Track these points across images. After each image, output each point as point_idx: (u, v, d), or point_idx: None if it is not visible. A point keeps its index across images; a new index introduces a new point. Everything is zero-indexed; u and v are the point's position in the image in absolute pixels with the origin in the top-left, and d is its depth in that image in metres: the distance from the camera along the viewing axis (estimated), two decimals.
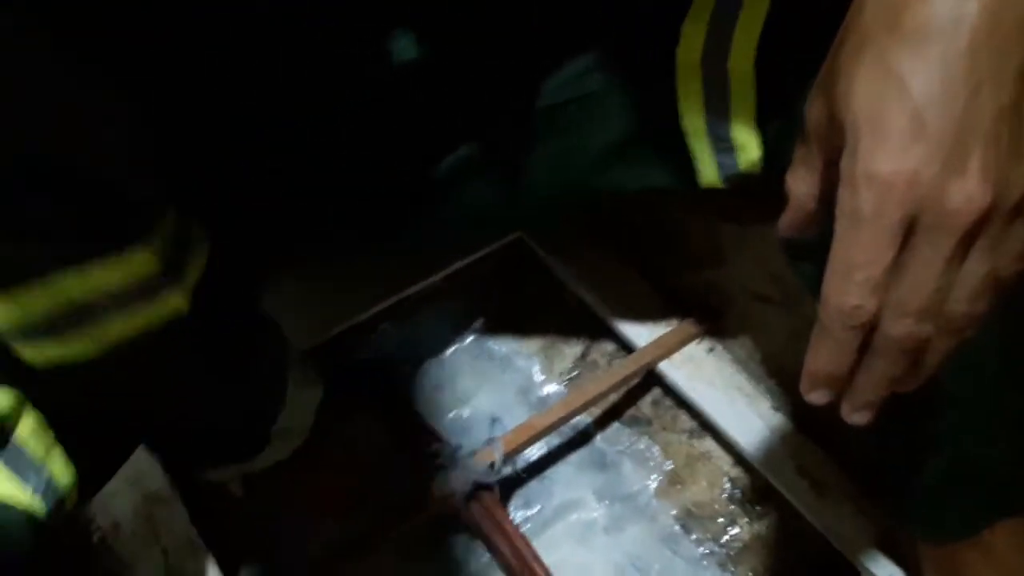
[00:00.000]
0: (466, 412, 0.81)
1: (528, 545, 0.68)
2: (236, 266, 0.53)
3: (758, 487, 0.74)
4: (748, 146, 0.54)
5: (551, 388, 0.83)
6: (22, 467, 0.43)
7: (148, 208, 0.44)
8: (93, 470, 0.51)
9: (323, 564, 0.67)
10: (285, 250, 0.65)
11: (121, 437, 0.50)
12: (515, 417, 0.79)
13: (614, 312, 0.82)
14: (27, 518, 0.41)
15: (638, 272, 0.85)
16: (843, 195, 0.34)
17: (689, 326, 0.80)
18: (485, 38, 0.56)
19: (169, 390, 0.48)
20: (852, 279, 0.33)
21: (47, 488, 0.44)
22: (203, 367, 0.48)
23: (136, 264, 0.43)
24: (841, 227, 0.34)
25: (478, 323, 0.86)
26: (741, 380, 0.77)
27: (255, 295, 0.58)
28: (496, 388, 0.83)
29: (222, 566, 0.67)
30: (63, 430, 0.46)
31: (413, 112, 0.58)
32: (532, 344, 0.86)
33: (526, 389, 0.83)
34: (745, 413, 0.75)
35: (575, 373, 0.84)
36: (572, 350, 0.85)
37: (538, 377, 0.84)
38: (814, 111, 0.37)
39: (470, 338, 0.86)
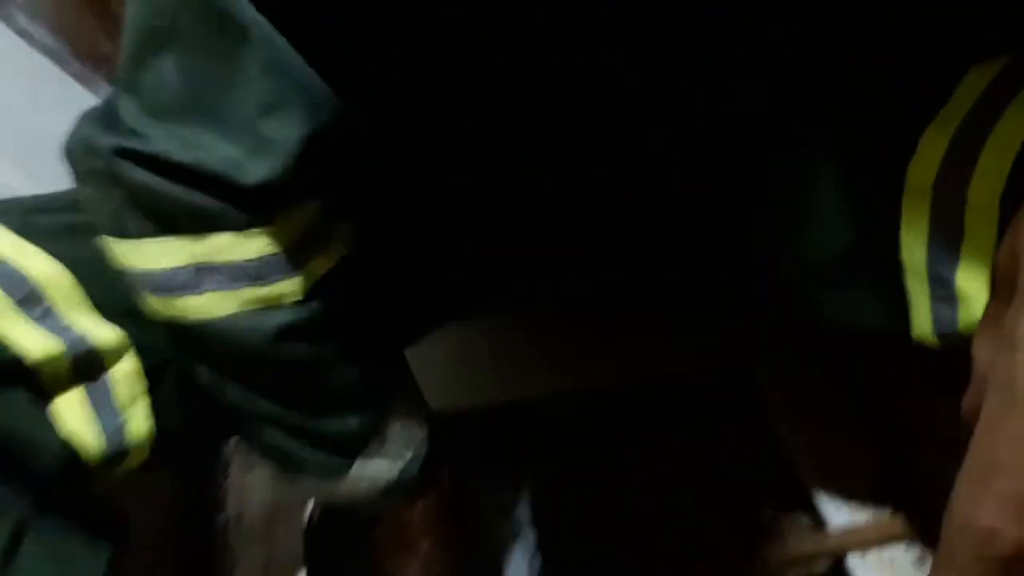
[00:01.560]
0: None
1: None
2: (383, 283, 0.52)
3: None
4: (974, 300, 0.42)
5: None
6: (101, 404, 0.45)
7: (278, 195, 0.44)
8: (190, 432, 0.53)
9: None
10: (465, 301, 0.64)
11: (219, 411, 0.51)
12: None
13: (819, 479, 0.69)
14: (62, 445, 0.43)
15: (867, 444, 0.72)
16: (1001, 358, 0.25)
17: (899, 523, 0.64)
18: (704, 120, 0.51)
19: (267, 371, 0.47)
20: (990, 487, 0.24)
21: (115, 433, 0.45)
22: (307, 357, 0.47)
23: (255, 242, 0.43)
24: (989, 405, 0.25)
25: (661, 442, 0.77)
26: None
27: (399, 317, 0.57)
28: None
29: None
30: (167, 386, 0.48)
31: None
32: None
33: None
34: None
35: None
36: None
37: None
38: (1003, 252, 0.28)
39: (648, 455, 0.77)
